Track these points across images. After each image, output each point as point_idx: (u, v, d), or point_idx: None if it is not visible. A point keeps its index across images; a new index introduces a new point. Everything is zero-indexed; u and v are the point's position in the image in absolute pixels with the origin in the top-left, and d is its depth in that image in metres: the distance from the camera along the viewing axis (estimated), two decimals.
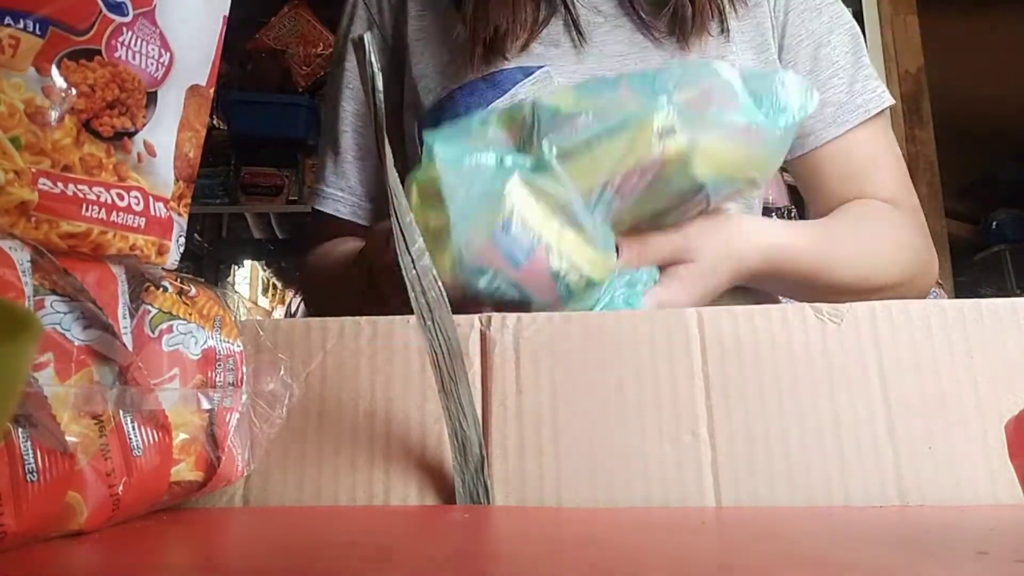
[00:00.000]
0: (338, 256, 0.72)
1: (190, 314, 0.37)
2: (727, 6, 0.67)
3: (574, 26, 0.67)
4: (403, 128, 0.74)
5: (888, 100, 0.68)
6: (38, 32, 0.29)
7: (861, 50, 0.70)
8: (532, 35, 0.65)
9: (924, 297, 0.66)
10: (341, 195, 0.75)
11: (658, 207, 0.49)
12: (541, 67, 0.66)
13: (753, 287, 0.60)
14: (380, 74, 0.47)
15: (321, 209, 0.75)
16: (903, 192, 0.67)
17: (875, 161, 0.67)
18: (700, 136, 0.45)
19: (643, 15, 0.67)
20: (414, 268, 0.38)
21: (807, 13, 0.69)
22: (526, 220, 0.44)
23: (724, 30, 0.67)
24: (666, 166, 0.45)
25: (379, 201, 0.75)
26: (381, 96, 0.46)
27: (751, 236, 0.55)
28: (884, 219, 0.65)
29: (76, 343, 0.31)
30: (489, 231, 0.44)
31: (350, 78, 0.75)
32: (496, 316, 0.43)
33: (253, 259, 3.02)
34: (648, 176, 0.45)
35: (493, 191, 0.45)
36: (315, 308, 0.80)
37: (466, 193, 0.45)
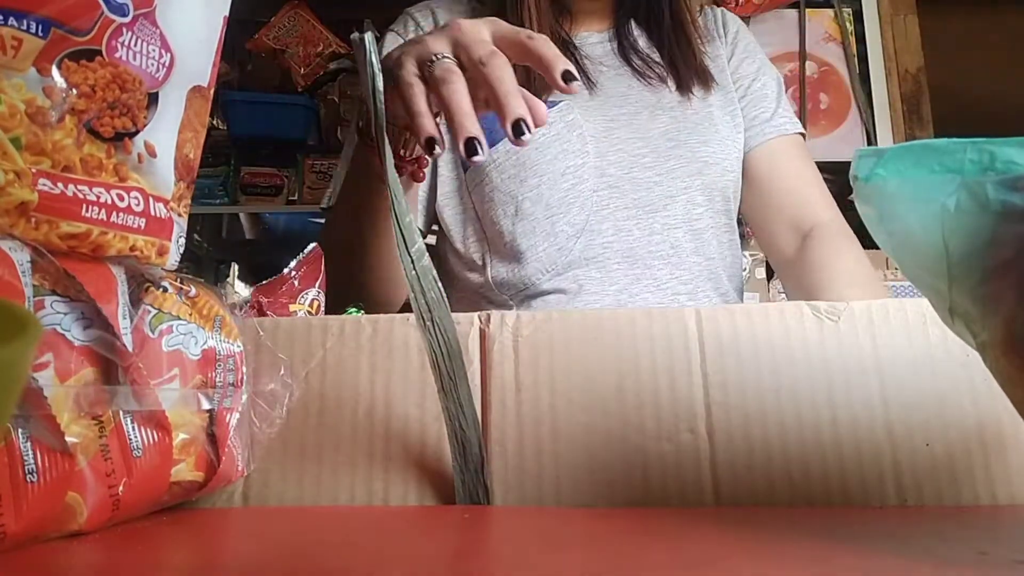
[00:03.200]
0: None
1: (190, 314, 0.37)
2: (703, 62, 0.85)
3: (583, 74, 0.81)
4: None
5: (799, 128, 0.86)
6: (40, 33, 0.29)
7: (783, 92, 0.90)
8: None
9: None
10: None
11: None
12: (561, 101, 0.79)
13: None
14: (380, 74, 0.47)
15: None
16: (831, 210, 0.81)
17: (802, 175, 0.83)
18: None
19: (636, 67, 0.85)
20: (414, 269, 0.38)
21: (745, 60, 0.90)
22: None
23: (703, 77, 0.85)
24: None
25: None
26: (382, 96, 0.46)
27: None
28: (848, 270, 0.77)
29: (76, 343, 0.31)
30: None
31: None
32: (495, 314, 0.43)
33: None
34: None
35: None
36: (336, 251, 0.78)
37: None
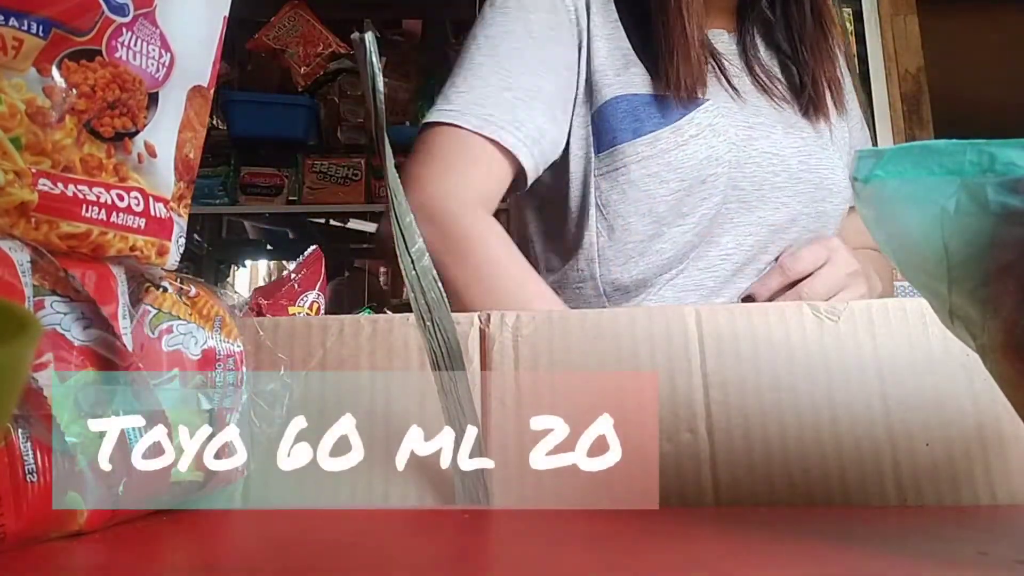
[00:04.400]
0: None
1: (190, 314, 0.37)
2: (832, 93, 0.79)
3: (723, 74, 0.76)
4: (573, 105, 0.76)
5: None
6: (40, 33, 0.29)
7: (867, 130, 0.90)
8: (698, 77, 0.72)
9: None
10: (510, 127, 0.69)
11: None
12: (708, 100, 0.73)
13: None
14: (380, 74, 0.47)
15: (495, 139, 0.68)
16: None
17: None
18: None
19: (760, 80, 0.78)
20: (414, 269, 0.38)
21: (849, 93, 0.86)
22: None
23: (840, 100, 0.80)
24: None
25: (542, 146, 0.72)
26: (382, 96, 0.46)
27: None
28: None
29: (76, 343, 0.31)
30: None
31: (533, 20, 0.73)
32: (495, 314, 0.43)
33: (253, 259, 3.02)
34: None
35: None
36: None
37: None
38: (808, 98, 0.78)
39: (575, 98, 0.75)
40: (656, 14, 0.72)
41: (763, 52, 0.81)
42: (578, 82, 0.75)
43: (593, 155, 0.74)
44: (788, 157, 0.75)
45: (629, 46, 0.75)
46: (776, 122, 0.76)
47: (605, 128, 0.72)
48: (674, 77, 0.71)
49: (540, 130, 0.70)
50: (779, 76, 0.79)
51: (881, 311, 0.41)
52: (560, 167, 0.76)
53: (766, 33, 0.82)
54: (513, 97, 0.69)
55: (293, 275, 0.55)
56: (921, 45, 2.03)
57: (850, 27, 2.04)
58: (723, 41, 0.79)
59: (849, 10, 2.06)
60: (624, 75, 0.74)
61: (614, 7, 0.77)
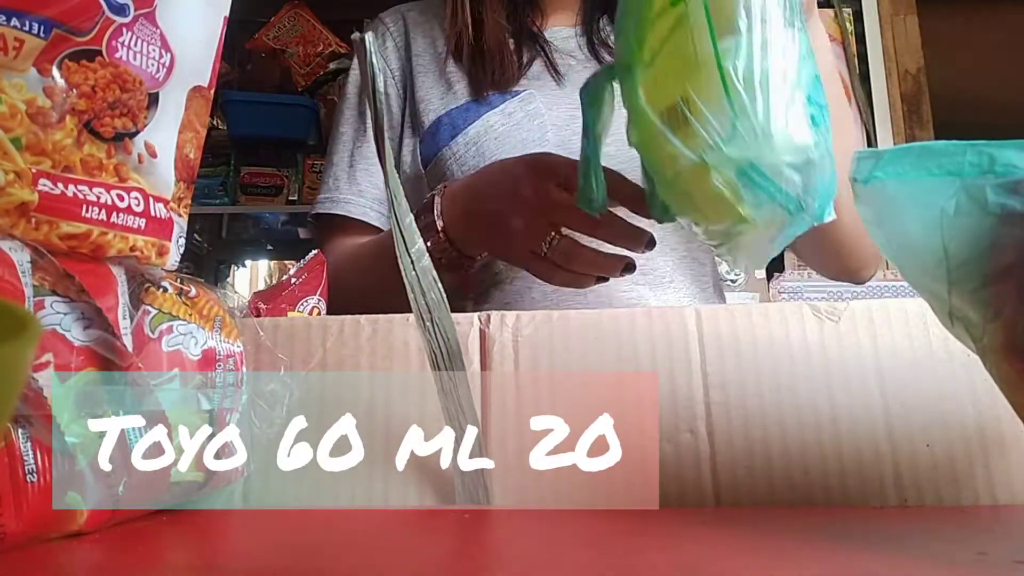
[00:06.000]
0: (362, 245, 0.79)
1: (190, 314, 0.37)
2: None
3: (551, 66, 0.83)
4: (400, 144, 0.87)
5: None
6: (41, 33, 0.29)
7: None
8: (519, 75, 0.82)
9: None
10: (352, 198, 0.84)
11: None
12: (525, 90, 0.82)
13: None
14: (381, 74, 0.47)
15: (335, 212, 0.83)
16: None
17: None
18: None
19: (605, 62, 0.84)
20: (414, 270, 0.38)
21: None
22: None
23: None
24: None
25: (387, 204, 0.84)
26: (382, 96, 0.46)
27: None
28: None
29: (76, 343, 0.31)
30: None
31: (351, 103, 0.90)
32: (495, 314, 0.43)
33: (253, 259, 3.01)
34: None
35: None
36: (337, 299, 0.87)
37: None
38: None
39: (400, 139, 0.86)
40: (472, 21, 0.82)
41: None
42: (403, 125, 0.87)
43: (423, 172, 0.83)
44: (620, 129, 0.79)
45: (455, 69, 0.84)
46: None
47: (430, 144, 0.82)
48: (484, 73, 0.80)
49: (381, 187, 0.83)
50: None
51: (881, 311, 0.41)
52: (404, 186, 0.87)
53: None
54: (354, 171, 0.84)
55: (294, 279, 0.55)
56: (921, 45, 2.03)
57: (850, 27, 2.04)
58: (562, 37, 0.86)
59: (849, 10, 2.06)
60: (447, 96, 0.83)
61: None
